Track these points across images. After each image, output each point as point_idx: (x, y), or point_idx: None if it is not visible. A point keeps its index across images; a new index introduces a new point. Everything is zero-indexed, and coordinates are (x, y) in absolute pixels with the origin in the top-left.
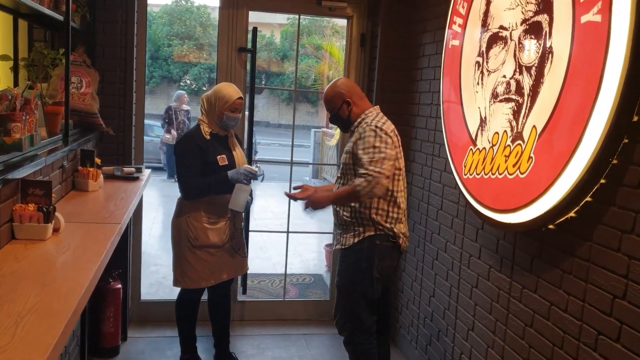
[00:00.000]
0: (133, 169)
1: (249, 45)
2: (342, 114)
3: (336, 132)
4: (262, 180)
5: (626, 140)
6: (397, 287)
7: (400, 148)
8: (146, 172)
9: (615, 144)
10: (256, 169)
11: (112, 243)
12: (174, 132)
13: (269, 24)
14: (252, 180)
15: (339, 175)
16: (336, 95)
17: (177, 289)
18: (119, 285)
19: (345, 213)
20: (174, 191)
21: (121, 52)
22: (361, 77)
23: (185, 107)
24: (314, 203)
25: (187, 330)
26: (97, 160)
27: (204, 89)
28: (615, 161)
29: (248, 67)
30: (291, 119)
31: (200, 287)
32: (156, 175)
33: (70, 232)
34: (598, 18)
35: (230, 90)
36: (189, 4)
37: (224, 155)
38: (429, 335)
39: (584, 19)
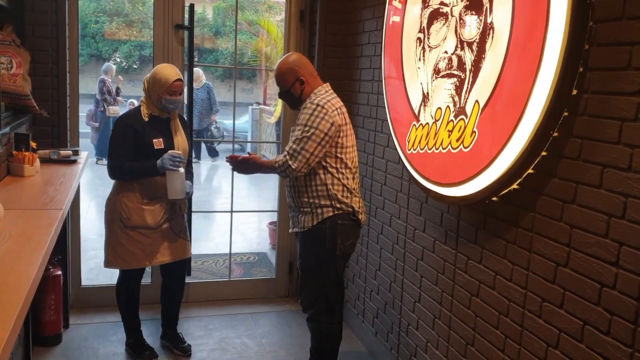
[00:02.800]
0: (70, 151)
1: (186, 23)
2: (293, 92)
3: (276, 109)
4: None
5: (566, 114)
6: None
7: (349, 125)
8: (83, 154)
9: (555, 117)
10: (179, 152)
11: (55, 230)
12: (113, 106)
13: (201, 0)
14: (186, 165)
15: None
16: (289, 72)
17: (117, 274)
18: (59, 272)
19: (301, 193)
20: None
21: (52, 31)
22: (301, 53)
23: (110, 79)
24: (238, 167)
25: (129, 315)
26: (33, 144)
27: (135, 66)
28: (556, 134)
29: (186, 44)
30: (226, 96)
31: (132, 268)
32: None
33: (10, 219)
34: None
35: (168, 72)
36: None
37: (160, 139)
38: (376, 308)
39: None
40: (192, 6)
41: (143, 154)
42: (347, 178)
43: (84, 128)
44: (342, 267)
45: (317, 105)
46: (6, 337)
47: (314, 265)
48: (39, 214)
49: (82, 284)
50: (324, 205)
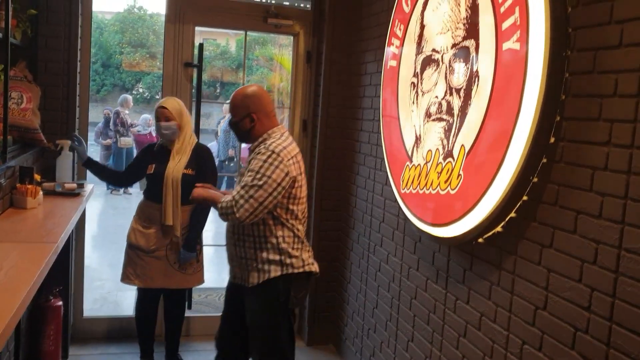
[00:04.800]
0: (75, 184)
1: (196, 61)
2: (242, 126)
3: None
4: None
5: (545, 160)
6: (342, 299)
7: (304, 174)
8: (88, 187)
9: (534, 164)
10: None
11: (47, 263)
12: (127, 138)
13: (225, 33)
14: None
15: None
16: (242, 106)
17: (122, 305)
18: (60, 303)
19: (246, 244)
20: (120, 202)
21: (64, 67)
22: (308, 91)
23: (127, 111)
24: (193, 194)
25: (141, 332)
26: (37, 177)
27: (157, 97)
28: (535, 179)
29: (194, 82)
30: None
31: (128, 283)
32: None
33: (4, 252)
34: (517, 46)
35: (160, 102)
36: (142, 12)
37: (153, 165)
38: (372, 346)
39: (505, 46)
40: (201, 45)
41: (144, 177)
42: (298, 229)
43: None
44: (294, 318)
45: (272, 152)
46: None
47: (267, 322)
48: (34, 247)
49: (84, 314)
50: (273, 261)
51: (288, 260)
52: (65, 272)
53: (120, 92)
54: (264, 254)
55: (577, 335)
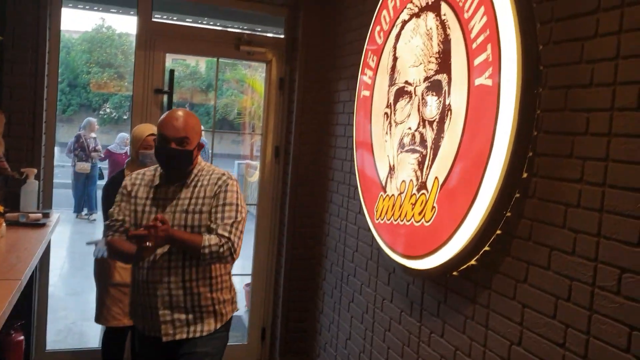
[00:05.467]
0: (40, 214)
1: (166, 87)
2: (193, 156)
3: (258, 168)
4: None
5: (518, 195)
6: (315, 330)
7: None
8: (54, 216)
9: (507, 199)
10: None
11: (9, 302)
12: (84, 162)
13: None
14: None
15: (184, 224)
16: (199, 133)
17: (87, 336)
18: (21, 337)
19: (203, 287)
20: (86, 227)
21: (30, 93)
22: (280, 118)
23: (93, 135)
24: (158, 235)
25: None
26: (0, 208)
27: (125, 117)
28: (509, 214)
29: (164, 108)
30: (216, 147)
31: (117, 324)
32: (68, 208)
33: None
34: (489, 82)
35: (141, 129)
36: (110, 32)
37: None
38: None
39: (478, 81)
40: (172, 72)
41: None
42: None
43: (61, 186)
44: None
45: (235, 179)
46: None
47: None
48: None
49: (47, 348)
50: (227, 300)
51: (236, 297)
52: (28, 305)
53: (87, 112)
54: (221, 295)
55: None
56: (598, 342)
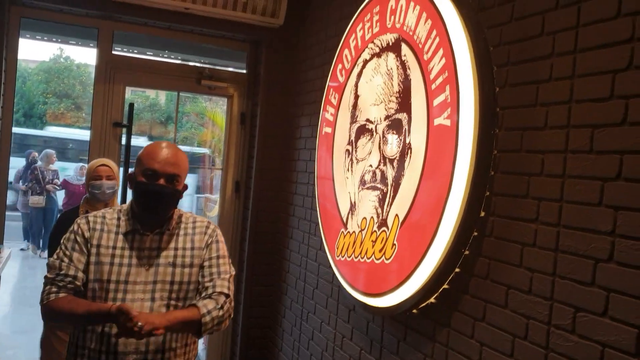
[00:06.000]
0: None
1: (125, 120)
2: (179, 198)
3: (218, 202)
4: None
5: (475, 234)
6: None
7: None
8: (5, 252)
9: (466, 237)
10: None
11: None
12: (38, 196)
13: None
14: None
15: (170, 279)
16: (186, 172)
17: None
18: None
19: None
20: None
21: None
22: (241, 152)
23: (52, 167)
24: (148, 324)
25: None
26: None
27: (85, 149)
28: (467, 252)
29: (123, 141)
30: None
31: None
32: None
33: None
34: (448, 122)
35: (93, 161)
36: (69, 62)
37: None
38: None
39: (437, 121)
40: (131, 105)
41: None
42: None
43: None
44: None
45: (216, 226)
46: None
47: None
48: None
49: None
50: (193, 340)
51: None
52: None
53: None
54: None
55: None
56: None
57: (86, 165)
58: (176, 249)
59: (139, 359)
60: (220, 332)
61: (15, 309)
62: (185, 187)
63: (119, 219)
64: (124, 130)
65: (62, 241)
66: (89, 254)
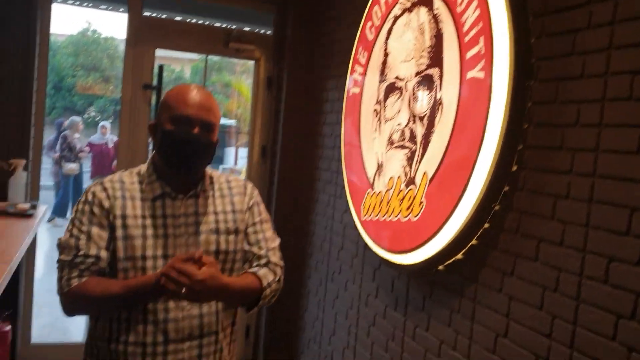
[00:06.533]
0: (27, 205)
1: (155, 83)
2: (214, 152)
3: (244, 170)
4: None
5: (506, 188)
6: (299, 327)
7: None
8: (41, 208)
9: (496, 192)
10: None
11: (0, 284)
12: (73, 163)
13: (180, 59)
14: None
15: (215, 249)
16: (219, 120)
17: (71, 331)
18: (8, 327)
19: (222, 343)
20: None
21: (20, 84)
22: (268, 117)
23: (77, 135)
24: (203, 291)
25: None
26: None
27: (110, 121)
28: (497, 207)
29: (153, 104)
30: None
31: None
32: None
33: None
34: (481, 75)
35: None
36: (96, 36)
37: None
38: None
39: (470, 74)
40: (161, 67)
41: None
42: None
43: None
44: None
45: (254, 186)
46: None
47: None
48: None
49: (32, 340)
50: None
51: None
52: (14, 296)
53: (72, 115)
54: (234, 348)
55: None
56: (585, 331)
57: (107, 125)
58: (216, 212)
59: (194, 346)
60: None
61: (50, 269)
62: (218, 141)
63: (140, 182)
64: (154, 93)
65: (73, 215)
66: (112, 228)
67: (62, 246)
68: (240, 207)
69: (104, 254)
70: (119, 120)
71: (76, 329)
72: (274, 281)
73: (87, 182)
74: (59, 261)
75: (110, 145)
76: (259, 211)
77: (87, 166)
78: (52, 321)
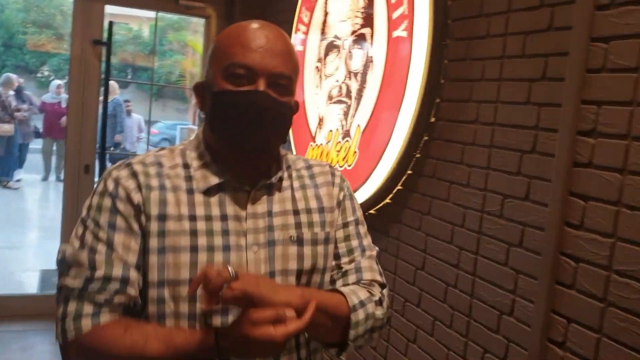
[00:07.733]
0: None
1: (105, 39)
2: (292, 119)
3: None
4: None
5: (426, 138)
6: None
7: None
8: None
9: (417, 141)
10: None
11: None
12: (7, 124)
13: (138, 17)
14: None
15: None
16: (298, 72)
17: (26, 285)
18: None
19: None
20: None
21: None
22: None
23: (11, 92)
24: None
25: None
26: None
27: (65, 80)
28: (418, 155)
29: (103, 60)
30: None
31: None
32: None
33: None
34: (405, 34)
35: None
36: None
37: None
38: None
39: (395, 33)
40: (110, 23)
41: None
42: None
43: None
44: None
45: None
46: None
47: None
48: None
49: None
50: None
51: None
52: None
53: (24, 73)
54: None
55: (448, 290)
56: (484, 259)
57: (61, 82)
58: (296, 212)
59: None
60: None
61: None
62: (297, 105)
63: (186, 166)
64: (104, 49)
65: (85, 213)
66: (145, 234)
67: (66, 263)
68: (329, 203)
69: (134, 275)
70: (69, 76)
71: (30, 282)
72: (370, 300)
73: (37, 143)
74: (61, 288)
75: (64, 105)
76: (353, 208)
77: (40, 127)
78: (7, 275)
